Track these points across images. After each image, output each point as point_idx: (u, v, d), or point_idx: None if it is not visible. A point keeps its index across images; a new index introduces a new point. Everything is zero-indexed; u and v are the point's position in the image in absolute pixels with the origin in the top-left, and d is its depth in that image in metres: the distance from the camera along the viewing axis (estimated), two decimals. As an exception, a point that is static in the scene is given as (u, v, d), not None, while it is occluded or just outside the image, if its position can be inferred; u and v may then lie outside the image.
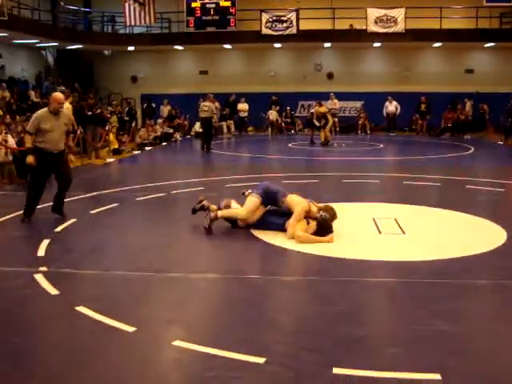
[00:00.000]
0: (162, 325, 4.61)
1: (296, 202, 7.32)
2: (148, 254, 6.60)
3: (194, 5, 24.23)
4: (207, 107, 19.35)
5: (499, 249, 6.76)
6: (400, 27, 23.38)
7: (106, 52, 27.64)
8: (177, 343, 4.20)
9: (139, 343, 4.26)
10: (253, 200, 7.54)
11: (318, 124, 20.61)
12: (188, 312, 4.92)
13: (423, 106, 24.98)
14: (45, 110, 8.33)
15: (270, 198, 7.56)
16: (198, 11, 24.21)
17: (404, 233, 7.50)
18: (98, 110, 17.51)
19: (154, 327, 4.53)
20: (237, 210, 7.72)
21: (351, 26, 24.74)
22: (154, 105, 24.84)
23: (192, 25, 24.30)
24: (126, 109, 23.80)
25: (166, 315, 4.83)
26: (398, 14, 23.35)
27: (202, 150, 18.75)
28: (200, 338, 4.32)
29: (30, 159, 8.08)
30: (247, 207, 7.57)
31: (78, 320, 4.66)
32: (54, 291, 5.30)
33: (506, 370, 3.79)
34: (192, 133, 24.55)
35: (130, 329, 4.43)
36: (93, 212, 8.83)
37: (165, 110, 24.71)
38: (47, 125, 8.09)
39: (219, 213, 7.67)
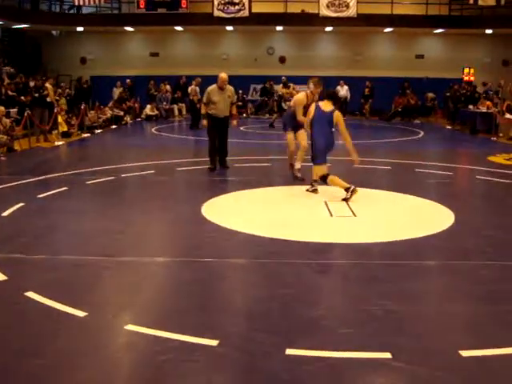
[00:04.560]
0: (114, 309, 4.55)
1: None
2: (99, 239, 6.51)
3: (144, -15, 23.81)
4: (192, 90, 20.53)
5: (447, 230, 6.93)
6: (352, 12, 23.50)
7: (53, 32, 26.95)
8: (129, 327, 4.16)
9: (91, 328, 4.20)
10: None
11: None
12: (140, 296, 4.88)
13: (367, 90, 25.41)
14: None
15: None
16: (149, -8, 23.80)
17: (355, 215, 7.60)
18: (46, 92, 17.08)
19: (105, 312, 4.47)
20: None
21: (303, 10, 24.73)
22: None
23: (143, 6, 23.85)
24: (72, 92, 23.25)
25: (117, 299, 4.77)
26: (350, -2, 23.45)
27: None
28: (152, 321, 4.29)
29: None
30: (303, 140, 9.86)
31: (28, 306, 4.57)
32: (1, 277, 5.17)
33: (454, 348, 3.89)
34: (143, 115, 24.23)
35: (82, 314, 4.36)
36: (41, 196, 8.64)
37: (117, 92, 24.31)
38: None
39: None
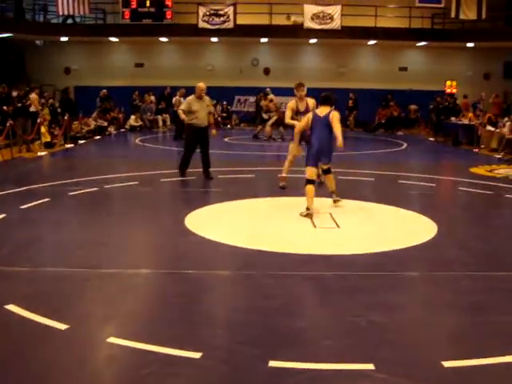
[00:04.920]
0: (96, 322, 4.52)
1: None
2: (82, 250, 6.46)
3: (129, -4, 23.80)
4: (176, 101, 20.44)
5: (430, 242, 6.98)
6: (336, 24, 23.68)
7: (37, 42, 26.84)
8: (111, 340, 4.13)
9: (73, 341, 4.16)
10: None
11: (266, 117, 20.95)
12: (122, 308, 4.85)
13: (350, 102, 25.60)
14: None
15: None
16: (134, 3, 23.74)
17: (339, 227, 7.62)
18: (28, 102, 16.99)
19: (87, 324, 4.44)
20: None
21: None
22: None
23: (128, 16, 23.83)
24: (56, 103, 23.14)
25: (100, 312, 4.73)
26: (334, 11, 23.65)
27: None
28: (135, 334, 4.26)
29: None
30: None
31: (8, 319, 4.51)
32: (-18, 289, 5.12)
33: (437, 359, 3.90)
34: (127, 126, 24.15)
35: (63, 326, 4.32)
36: (23, 207, 8.56)
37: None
38: None
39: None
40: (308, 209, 8.19)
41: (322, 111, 8.62)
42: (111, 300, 5.02)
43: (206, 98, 11.37)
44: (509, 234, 7.64)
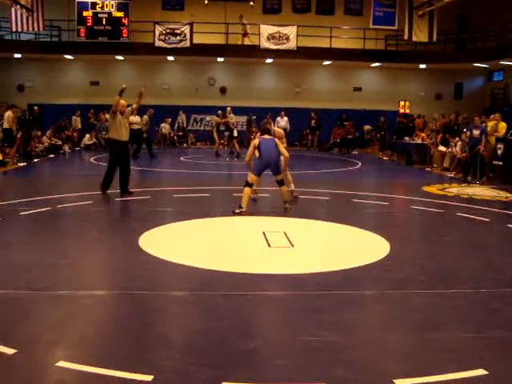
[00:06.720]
0: (45, 345, 4.40)
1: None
2: (32, 272, 6.30)
3: (85, 14, 23.63)
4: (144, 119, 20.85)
5: (383, 260, 7.05)
6: (292, 45, 24.03)
7: (-11, 59, 26.39)
8: (60, 364, 4.02)
9: (20, 366, 4.04)
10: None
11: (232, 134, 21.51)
12: (73, 331, 4.74)
13: (313, 122, 25.91)
14: None
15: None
16: (90, 20, 23.65)
17: (293, 246, 7.65)
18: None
19: (36, 348, 4.32)
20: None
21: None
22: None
23: (83, 34, 23.71)
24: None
25: (49, 335, 4.62)
26: (290, 31, 23.99)
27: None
28: (85, 357, 4.17)
29: None
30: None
31: (-48, 343, 4.37)
32: None
33: (389, 377, 3.93)
34: (82, 145, 23.88)
35: (11, 351, 4.20)
36: (-28, 227, 8.35)
37: (77, 120, 24.27)
38: None
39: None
40: (241, 207, 9.60)
41: (266, 137, 10.21)
42: (61, 322, 4.90)
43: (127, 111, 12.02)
44: (459, 252, 7.80)
